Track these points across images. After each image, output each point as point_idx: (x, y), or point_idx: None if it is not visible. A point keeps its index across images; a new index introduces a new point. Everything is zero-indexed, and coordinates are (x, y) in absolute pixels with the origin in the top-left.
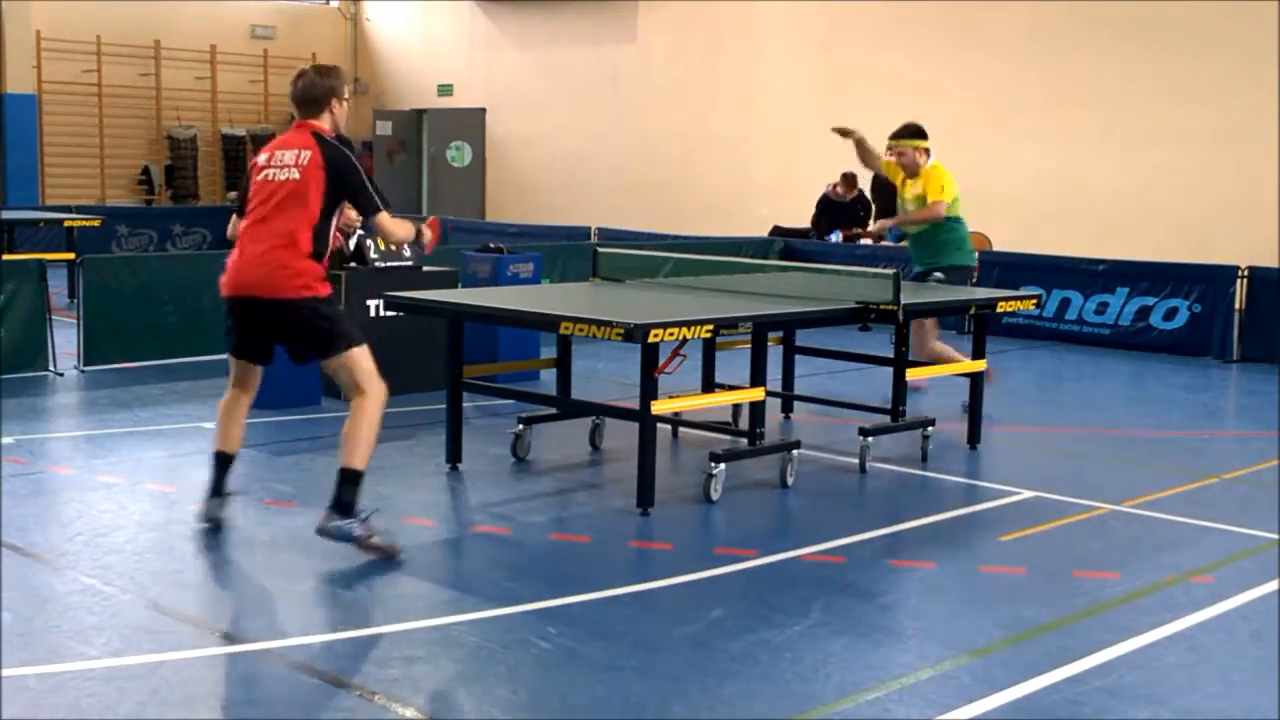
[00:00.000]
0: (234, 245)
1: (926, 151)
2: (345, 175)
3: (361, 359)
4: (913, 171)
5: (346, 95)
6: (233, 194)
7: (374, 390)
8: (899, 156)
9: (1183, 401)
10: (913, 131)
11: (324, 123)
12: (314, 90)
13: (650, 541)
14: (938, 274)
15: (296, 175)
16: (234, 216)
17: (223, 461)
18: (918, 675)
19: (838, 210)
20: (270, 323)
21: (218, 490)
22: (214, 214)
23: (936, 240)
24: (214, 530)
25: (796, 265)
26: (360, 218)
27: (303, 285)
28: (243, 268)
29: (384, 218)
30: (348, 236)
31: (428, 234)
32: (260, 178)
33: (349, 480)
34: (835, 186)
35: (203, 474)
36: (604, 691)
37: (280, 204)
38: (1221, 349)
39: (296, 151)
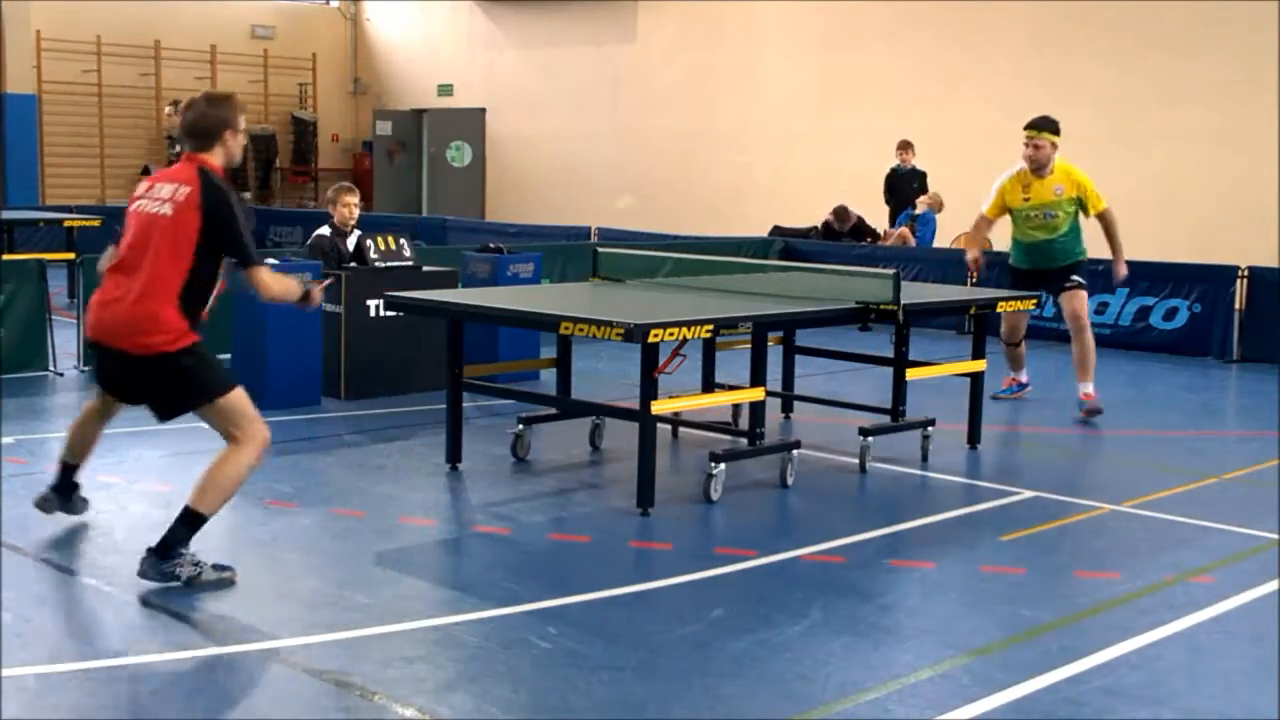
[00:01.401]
0: (102, 280)
1: (1056, 148)
2: (222, 221)
3: (235, 404)
4: (1042, 168)
5: (241, 126)
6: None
7: (250, 436)
8: (1035, 149)
9: (1183, 401)
10: (1051, 125)
11: (214, 158)
12: (203, 122)
13: (650, 541)
14: (1076, 276)
15: (169, 211)
16: (110, 248)
17: (67, 471)
18: (918, 675)
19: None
20: (134, 376)
21: (59, 487)
22: None
23: (1072, 241)
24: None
25: (796, 265)
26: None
27: (168, 341)
28: (105, 313)
29: (262, 272)
30: (344, 237)
31: (317, 295)
32: (133, 208)
33: (186, 522)
34: (830, 221)
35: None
36: (604, 691)
37: (154, 245)
38: (1221, 349)
39: (175, 186)
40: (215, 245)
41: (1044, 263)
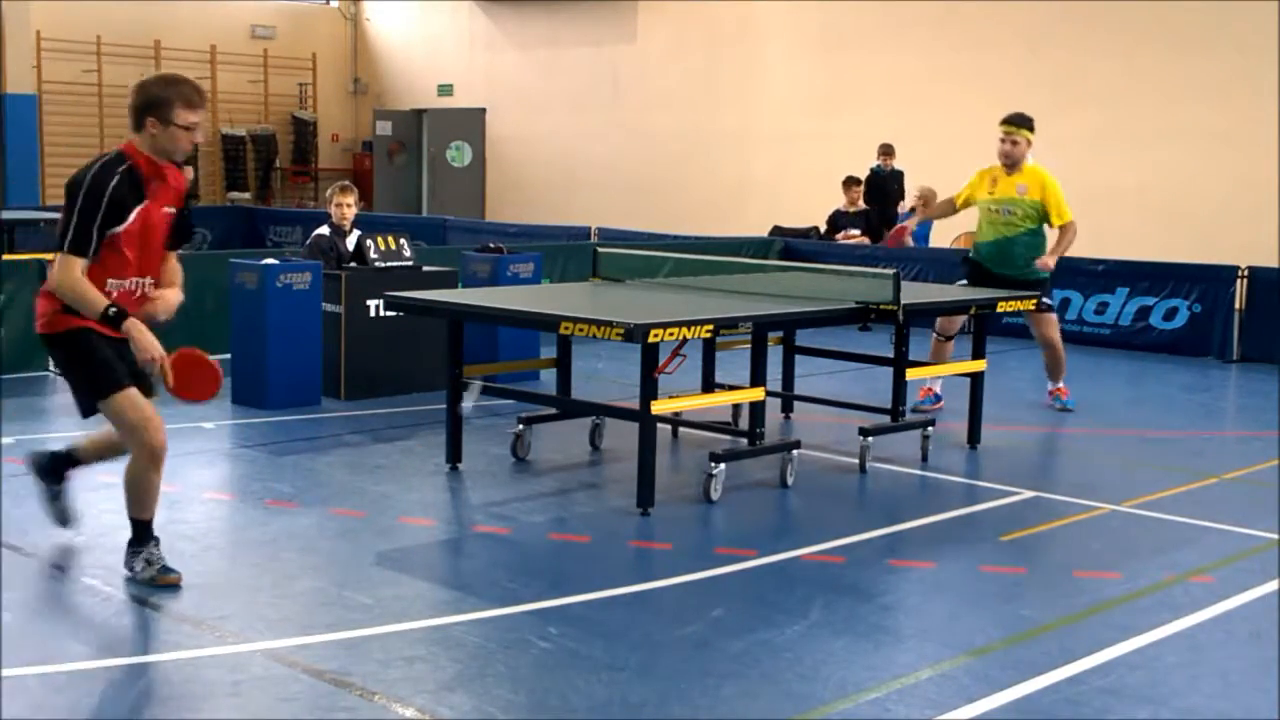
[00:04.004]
0: None
1: (1030, 145)
2: (65, 201)
3: (114, 409)
4: (1014, 165)
5: (178, 120)
6: (233, 194)
7: (134, 444)
8: (1011, 144)
9: (1183, 401)
10: (1027, 122)
11: (139, 143)
12: (132, 99)
13: (650, 541)
14: (1046, 300)
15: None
16: None
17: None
18: (918, 675)
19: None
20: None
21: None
22: (214, 214)
23: (1030, 250)
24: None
25: (796, 265)
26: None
27: (44, 322)
28: None
29: (62, 262)
30: (343, 236)
31: (144, 351)
32: None
33: (137, 525)
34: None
35: (202, 474)
36: (604, 692)
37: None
38: (1221, 349)
39: None
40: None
41: (1002, 267)
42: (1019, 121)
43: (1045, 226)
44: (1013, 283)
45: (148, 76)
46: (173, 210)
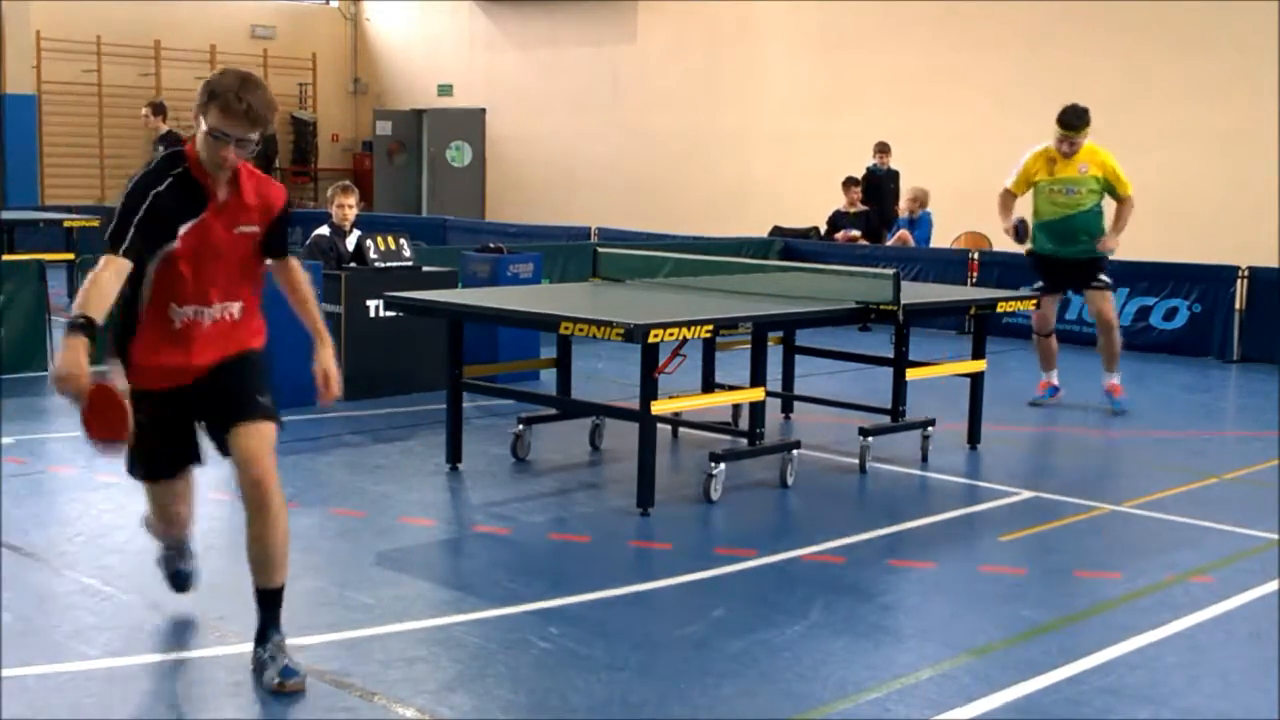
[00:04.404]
0: None
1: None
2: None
3: (147, 495)
4: (1071, 156)
5: (203, 126)
6: None
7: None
8: (1070, 145)
9: (1183, 401)
10: (1086, 120)
11: (192, 144)
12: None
13: (650, 541)
14: (1103, 276)
15: None
16: None
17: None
18: (918, 675)
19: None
20: None
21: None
22: None
23: (1092, 225)
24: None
25: (796, 265)
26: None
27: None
28: None
29: (101, 261)
30: (343, 236)
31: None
32: None
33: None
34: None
35: (202, 474)
36: (604, 692)
37: None
38: (1221, 349)
39: None
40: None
41: (1065, 247)
42: (1077, 124)
43: (1103, 201)
44: (1079, 262)
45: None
46: (252, 230)
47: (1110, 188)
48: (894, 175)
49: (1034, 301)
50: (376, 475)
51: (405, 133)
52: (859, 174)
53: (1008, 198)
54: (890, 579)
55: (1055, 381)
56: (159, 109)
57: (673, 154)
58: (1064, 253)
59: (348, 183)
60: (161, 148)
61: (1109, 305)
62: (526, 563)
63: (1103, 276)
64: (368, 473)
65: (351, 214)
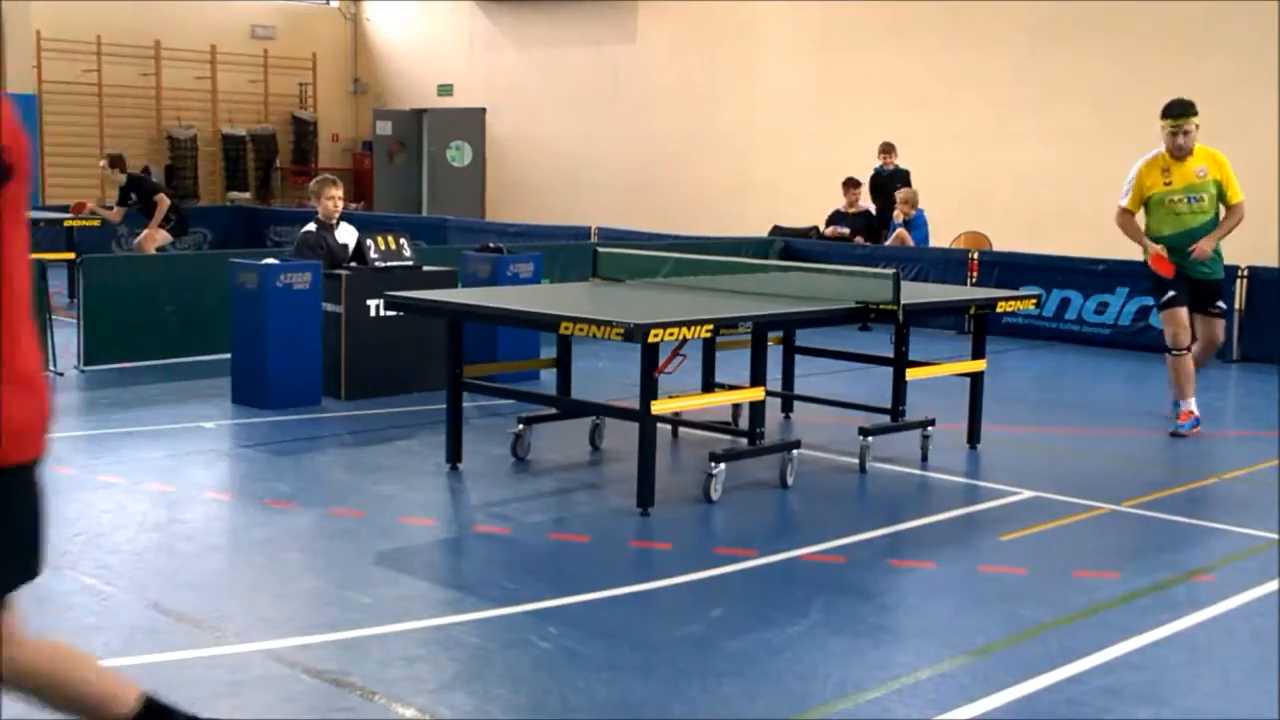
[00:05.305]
0: None
1: (1198, 129)
2: None
3: None
4: (1185, 154)
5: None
6: (233, 194)
7: None
8: (1184, 135)
9: None
10: (1194, 108)
11: None
12: None
13: (650, 541)
14: (1221, 303)
15: None
16: None
17: None
18: (918, 675)
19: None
20: None
21: None
22: (214, 214)
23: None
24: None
25: (796, 265)
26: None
27: None
28: None
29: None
30: (331, 230)
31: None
32: None
33: None
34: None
35: (202, 474)
36: (604, 691)
37: None
38: (1222, 349)
39: None
40: None
41: (1194, 267)
42: (1186, 111)
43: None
44: (1203, 284)
45: None
46: None
47: (1223, 192)
48: (903, 174)
49: (1033, 301)
50: (376, 475)
51: (405, 133)
52: (861, 174)
53: (1128, 219)
54: (890, 579)
55: (1196, 410)
56: (115, 161)
57: (673, 154)
58: (1200, 274)
59: (332, 176)
60: (134, 195)
61: (1221, 334)
62: (526, 563)
63: (1220, 304)
64: (368, 473)
65: (339, 207)
